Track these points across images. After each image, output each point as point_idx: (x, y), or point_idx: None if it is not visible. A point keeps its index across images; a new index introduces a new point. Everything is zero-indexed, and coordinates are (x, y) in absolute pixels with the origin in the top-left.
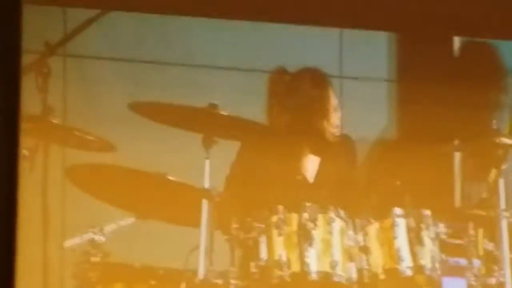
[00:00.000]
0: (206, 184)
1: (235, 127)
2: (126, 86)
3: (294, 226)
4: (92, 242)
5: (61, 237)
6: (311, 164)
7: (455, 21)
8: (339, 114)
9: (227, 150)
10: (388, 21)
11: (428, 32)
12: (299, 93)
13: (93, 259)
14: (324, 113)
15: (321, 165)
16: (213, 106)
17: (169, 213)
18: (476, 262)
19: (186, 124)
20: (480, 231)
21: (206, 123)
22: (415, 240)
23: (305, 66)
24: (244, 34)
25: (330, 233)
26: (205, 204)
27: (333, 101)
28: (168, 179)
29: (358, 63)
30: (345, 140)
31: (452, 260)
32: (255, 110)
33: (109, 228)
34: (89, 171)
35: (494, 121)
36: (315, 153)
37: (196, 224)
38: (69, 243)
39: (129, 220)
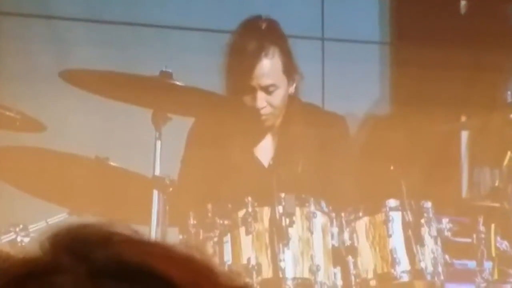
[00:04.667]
0: (157, 171)
1: (193, 100)
2: (58, 51)
3: (266, 223)
4: (14, 243)
5: None
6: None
7: None
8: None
9: (183, 129)
10: None
11: None
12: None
13: None
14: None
15: (294, 147)
16: (165, 74)
17: (111, 207)
18: (487, 265)
19: (132, 97)
20: (492, 227)
21: (157, 95)
22: (413, 238)
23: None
24: None
25: (310, 230)
26: (156, 195)
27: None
28: (110, 165)
29: (343, 23)
30: (327, 115)
31: (458, 262)
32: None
33: (35, 226)
34: (10, 156)
35: (509, 93)
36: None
37: (145, 220)
38: None
39: (61, 216)
